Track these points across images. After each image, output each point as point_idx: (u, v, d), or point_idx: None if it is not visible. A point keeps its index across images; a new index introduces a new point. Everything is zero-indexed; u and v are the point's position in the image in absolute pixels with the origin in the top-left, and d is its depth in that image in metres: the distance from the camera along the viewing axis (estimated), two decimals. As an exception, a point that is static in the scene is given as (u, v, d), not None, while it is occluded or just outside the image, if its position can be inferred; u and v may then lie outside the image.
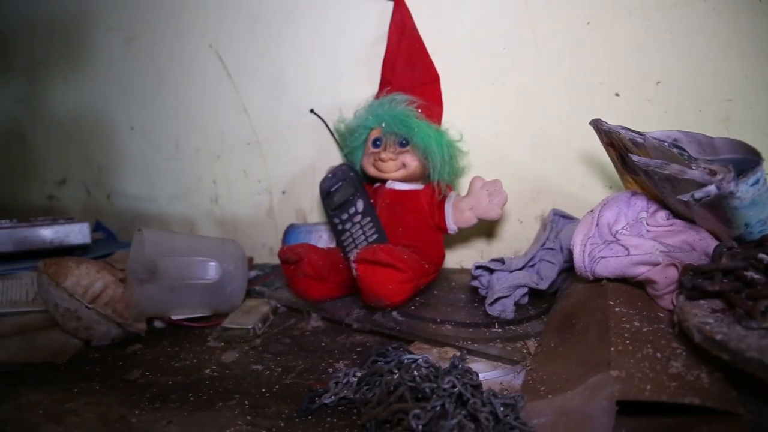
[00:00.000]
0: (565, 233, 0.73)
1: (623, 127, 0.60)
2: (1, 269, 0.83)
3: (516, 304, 0.69)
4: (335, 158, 0.93)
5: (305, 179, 0.97)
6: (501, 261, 0.71)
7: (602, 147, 0.69)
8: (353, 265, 0.65)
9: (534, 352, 0.60)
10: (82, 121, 1.16)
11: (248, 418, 0.51)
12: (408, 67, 0.83)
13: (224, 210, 1.05)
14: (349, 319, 0.68)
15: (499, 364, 0.59)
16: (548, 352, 0.58)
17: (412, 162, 0.76)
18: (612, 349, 0.49)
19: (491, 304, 0.67)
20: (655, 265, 0.56)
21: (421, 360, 0.52)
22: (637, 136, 0.58)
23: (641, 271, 0.57)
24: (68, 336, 0.71)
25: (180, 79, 1.04)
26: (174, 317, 0.72)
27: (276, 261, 0.84)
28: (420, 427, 0.43)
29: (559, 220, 0.78)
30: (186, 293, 0.71)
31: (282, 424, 0.50)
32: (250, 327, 0.70)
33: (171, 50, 1.04)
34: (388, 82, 0.83)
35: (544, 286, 0.70)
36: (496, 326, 0.65)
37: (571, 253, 0.71)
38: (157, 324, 0.75)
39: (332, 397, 0.52)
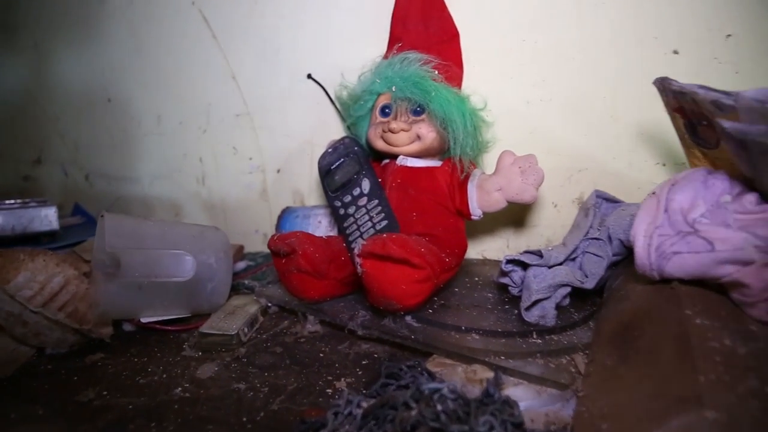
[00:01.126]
0: (613, 220, 0.60)
1: (702, 86, 0.47)
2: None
3: (557, 306, 0.56)
4: (338, 131, 0.80)
5: (302, 156, 0.84)
6: (538, 254, 0.58)
7: (660, 115, 0.55)
8: (358, 260, 0.52)
9: (585, 372, 0.47)
10: (55, 93, 1.04)
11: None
12: (422, 22, 0.70)
13: (212, 191, 0.93)
14: (353, 324, 0.56)
15: (543, 388, 0.47)
16: (605, 373, 0.45)
17: (428, 133, 0.63)
18: (701, 378, 0.36)
19: (528, 308, 0.54)
20: (747, 263, 0.43)
21: (446, 390, 0.39)
22: (724, 96, 0.44)
23: (728, 272, 0.44)
24: (18, 343, 0.60)
25: (160, 43, 0.91)
26: (144, 319, 0.60)
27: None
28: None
29: (603, 204, 0.65)
30: (157, 292, 0.59)
31: (263, 475, 0.38)
32: (233, 333, 0.58)
33: (149, 10, 0.91)
34: (399, 39, 0.69)
35: (590, 284, 0.57)
36: (535, 336, 0.53)
37: (622, 244, 0.59)
38: (126, 327, 0.64)
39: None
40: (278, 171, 0.87)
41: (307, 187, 0.86)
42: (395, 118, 0.64)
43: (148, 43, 0.92)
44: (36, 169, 1.11)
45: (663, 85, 0.52)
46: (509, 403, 0.40)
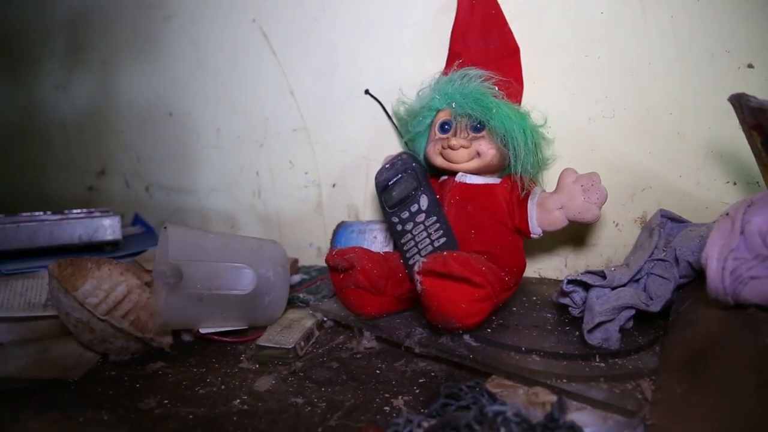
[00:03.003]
0: (681, 241, 0.58)
1: (784, 103, 0.45)
2: (22, 267, 0.75)
3: (620, 330, 0.54)
4: (394, 147, 0.80)
5: (358, 170, 0.85)
6: (601, 275, 0.56)
7: (731, 131, 0.53)
8: (417, 277, 0.52)
9: (652, 399, 0.45)
10: (119, 107, 1.08)
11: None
12: (482, 38, 0.70)
13: (267, 204, 0.94)
14: (410, 342, 0.56)
15: (609, 414, 0.45)
16: (674, 401, 0.43)
17: (488, 150, 0.62)
18: (786, 413, 0.34)
19: (591, 330, 0.53)
20: (836, 291, 0.40)
21: (509, 413, 0.38)
22: (808, 113, 0.42)
23: (813, 299, 0.41)
24: (84, 348, 0.62)
25: (221, 59, 0.94)
26: (203, 330, 0.61)
27: (325, 263, 0.73)
28: None
29: (668, 224, 0.63)
30: (216, 304, 0.60)
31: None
32: (290, 347, 0.58)
33: (211, 28, 0.93)
34: (458, 56, 0.69)
35: (655, 308, 0.55)
36: (598, 359, 0.51)
37: (690, 266, 0.57)
38: (185, 337, 0.65)
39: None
40: (333, 185, 0.88)
41: (362, 202, 0.86)
42: (455, 135, 0.64)
43: (209, 59, 0.95)
44: (100, 180, 1.16)
45: (740, 102, 0.49)
46: (575, 429, 0.39)
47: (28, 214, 0.83)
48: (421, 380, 0.53)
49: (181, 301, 0.57)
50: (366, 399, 0.50)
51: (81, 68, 1.12)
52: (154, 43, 1.00)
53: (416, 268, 0.52)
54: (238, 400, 0.51)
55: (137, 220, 1.09)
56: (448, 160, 0.65)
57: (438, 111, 0.66)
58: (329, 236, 0.82)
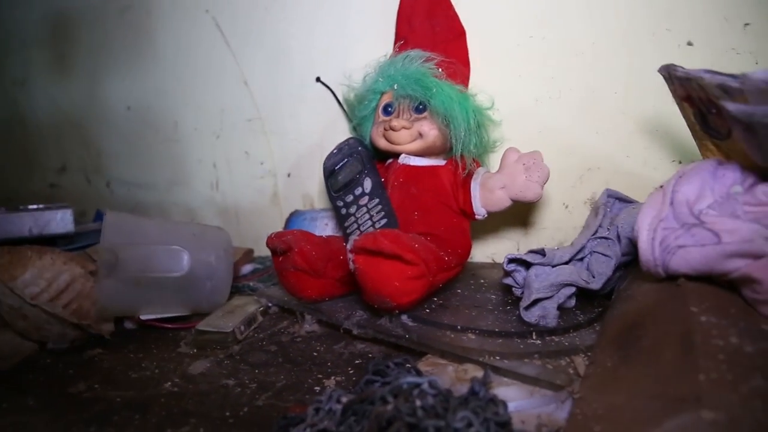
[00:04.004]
0: (623, 219, 0.58)
1: (708, 71, 0.44)
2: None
3: (560, 307, 0.54)
4: (345, 134, 0.80)
5: (312, 159, 0.84)
6: (541, 253, 0.55)
7: (671, 108, 0.53)
8: (350, 255, 0.51)
9: (584, 373, 0.45)
10: (78, 103, 1.07)
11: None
12: (427, 20, 0.69)
13: (226, 196, 0.93)
14: (349, 324, 0.55)
15: (537, 389, 0.44)
16: (604, 374, 0.43)
17: (430, 131, 0.62)
18: (701, 376, 0.33)
19: (528, 307, 0.52)
20: (758, 257, 0.40)
21: (426, 384, 0.38)
22: (730, 79, 0.42)
23: (737, 266, 0.41)
24: (21, 337, 0.61)
25: (176, 52, 0.93)
26: (143, 317, 0.60)
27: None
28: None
29: (615, 204, 0.62)
30: (155, 288, 0.59)
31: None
32: (229, 330, 0.57)
33: (166, 19, 0.92)
34: (404, 38, 0.69)
35: (596, 285, 0.54)
36: (534, 336, 0.50)
37: (632, 243, 0.56)
38: (128, 325, 0.64)
39: (308, 429, 0.39)
40: (288, 175, 0.87)
41: (317, 191, 0.85)
42: (397, 116, 0.63)
43: (165, 52, 0.94)
44: (61, 176, 1.14)
45: (669, 73, 0.49)
46: (495, 402, 0.38)
47: (-21, 208, 0.82)
48: (357, 361, 0.52)
49: (118, 286, 0.56)
50: (298, 380, 0.49)
51: (38, 64, 1.10)
52: (111, 37, 0.99)
53: (348, 246, 0.51)
54: (169, 383, 0.50)
55: (99, 217, 1.07)
56: (391, 142, 0.64)
57: (382, 94, 0.66)
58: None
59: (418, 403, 0.36)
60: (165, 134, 0.97)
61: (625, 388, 0.39)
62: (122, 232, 0.58)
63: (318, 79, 0.81)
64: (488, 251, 0.76)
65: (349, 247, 0.51)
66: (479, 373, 0.46)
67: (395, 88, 0.63)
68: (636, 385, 0.38)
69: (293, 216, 0.79)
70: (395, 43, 0.70)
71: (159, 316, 0.61)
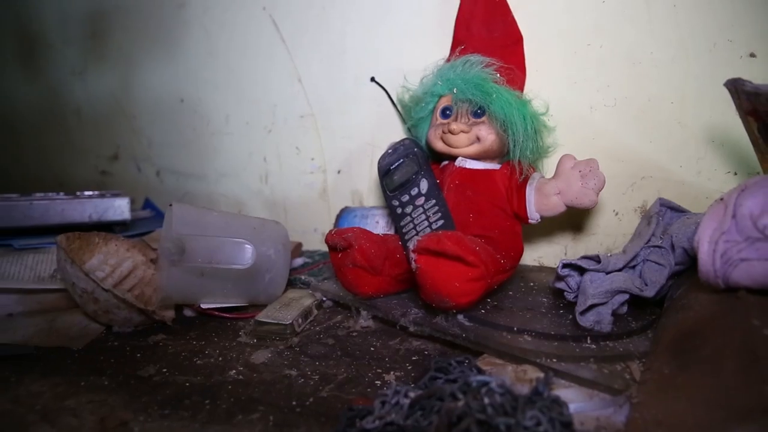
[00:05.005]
0: (678, 228, 0.58)
1: (779, 87, 0.45)
2: (33, 243, 0.77)
3: (613, 314, 0.55)
4: (398, 134, 0.81)
5: (363, 157, 0.86)
6: (596, 259, 0.56)
7: (732, 121, 0.54)
8: (412, 255, 0.53)
9: (641, 379, 0.46)
10: (133, 93, 1.10)
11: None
12: (485, 25, 0.70)
13: (274, 190, 0.96)
14: (405, 321, 0.57)
15: (595, 392, 0.45)
16: (662, 381, 0.44)
17: (487, 135, 0.63)
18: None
19: (583, 312, 0.53)
20: (824, 273, 0.41)
21: (494, 384, 0.39)
22: (802, 96, 0.42)
23: (802, 281, 0.42)
24: (89, 320, 0.64)
25: (231, 47, 0.95)
26: (204, 305, 0.63)
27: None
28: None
29: (668, 213, 0.63)
30: (217, 279, 0.61)
31: (309, 454, 0.39)
32: (288, 322, 0.59)
33: (223, 16, 0.95)
34: (462, 43, 0.70)
35: (649, 293, 0.55)
36: (589, 341, 0.51)
37: (686, 253, 0.57)
38: (187, 312, 0.66)
39: (376, 421, 0.41)
40: (339, 172, 0.89)
41: (367, 188, 0.87)
42: (455, 120, 0.65)
43: (220, 47, 0.97)
44: (113, 164, 1.18)
45: (735, 87, 0.50)
46: (558, 403, 0.39)
47: (42, 194, 0.85)
48: (414, 358, 0.54)
49: (183, 275, 0.59)
50: (358, 374, 0.51)
51: (97, 55, 1.14)
52: (168, 31, 1.02)
53: (411, 246, 0.53)
54: (234, 371, 0.52)
55: (147, 205, 1.11)
56: (449, 145, 0.65)
57: (440, 97, 0.67)
58: (333, 221, 0.83)
59: (486, 400, 0.38)
60: (217, 127, 0.99)
61: (684, 396, 0.40)
62: (188, 223, 0.61)
63: (372, 79, 0.82)
64: (536, 254, 0.77)
65: (411, 246, 0.53)
66: (537, 373, 0.47)
67: (455, 92, 0.65)
68: (697, 393, 0.39)
69: (344, 212, 0.81)
70: (453, 47, 0.71)
71: (219, 305, 0.63)
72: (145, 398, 0.48)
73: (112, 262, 0.69)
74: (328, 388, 0.49)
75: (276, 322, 0.60)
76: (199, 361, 0.55)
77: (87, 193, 0.89)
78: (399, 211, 0.66)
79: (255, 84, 0.94)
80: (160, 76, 1.05)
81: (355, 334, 0.60)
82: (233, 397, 0.48)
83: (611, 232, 0.72)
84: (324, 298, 0.67)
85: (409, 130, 0.74)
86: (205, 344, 0.59)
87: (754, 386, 0.36)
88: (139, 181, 1.14)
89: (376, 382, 0.49)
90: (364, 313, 0.62)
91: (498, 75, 0.64)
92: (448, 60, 0.69)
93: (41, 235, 0.81)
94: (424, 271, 0.52)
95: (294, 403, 0.46)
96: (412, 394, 0.42)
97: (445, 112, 0.66)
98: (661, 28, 0.65)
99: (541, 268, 0.75)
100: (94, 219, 0.85)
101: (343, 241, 0.60)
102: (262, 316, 0.61)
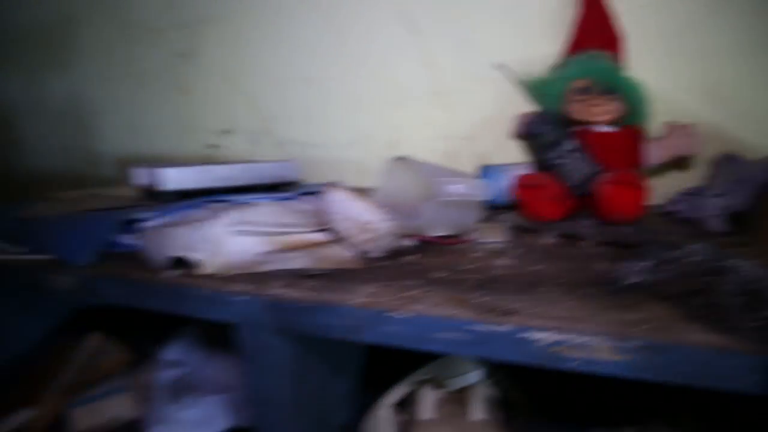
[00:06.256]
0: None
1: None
2: (249, 197, 0.96)
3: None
4: (519, 109, 1.06)
5: (488, 128, 1.11)
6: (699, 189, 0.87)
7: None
8: (601, 187, 0.80)
9: None
10: (251, 71, 1.27)
11: (571, 297, 0.59)
12: (599, 26, 0.98)
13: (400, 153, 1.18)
14: (588, 234, 0.83)
15: None
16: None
17: (616, 108, 0.92)
18: None
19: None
20: None
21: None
22: None
23: None
24: (343, 249, 0.83)
25: (361, 34, 1.15)
26: (429, 234, 0.85)
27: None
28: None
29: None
30: (453, 210, 0.84)
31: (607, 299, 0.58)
32: (501, 241, 0.84)
33: (353, 3, 1.15)
34: (583, 39, 0.98)
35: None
36: None
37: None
38: (406, 242, 0.88)
39: (644, 272, 0.59)
40: (466, 140, 1.13)
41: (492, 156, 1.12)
42: (592, 97, 0.93)
43: (351, 33, 1.16)
44: (223, 137, 1.34)
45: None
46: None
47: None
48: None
49: (435, 209, 0.82)
50: (586, 266, 0.71)
51: (209, 36, 1.27)
52: (294, 16, 1.19)
53: (599, 179, 0.80)
54: (495, 271, 0.70)
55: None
56: (588, 116, 0.93)
57: (574, 80, 0.94)
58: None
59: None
60: (345, 104, 1.20)
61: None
62: (416, 170, 0.84)
63: (498, 66, 1.08)
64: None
65: (599, 180, 0.80)
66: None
67: (590, 76, 0.92)
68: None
69: (487, 169, 1.05)
70: (576, 42, 0.98)
71: (440, 234, 0.87)
72: (460, 287, 0.62)
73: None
74: (576, 273, 0.68)
75: (494, 240, 0.84)
76: (466, 266, 0.72)
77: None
78: (552, 163, 0.93)
79: (383, 66, 1.15)
80: (282, 56, 1.22)
81: (552, 246, 0.82)
82: (511, 282, 0.65)
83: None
84: (514, 225, 0.92)
85: (539, 106, 1.01)
86: (449, 258, 0.77)
87: None
88: (255, 153, 1.31)
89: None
90: (549, 233, 0.88)
91: (620, 62, 0.92)
92: (570, 52, 0.97)
93: (244, 193, 0.99)
94: (611, 197, 0.80)
95: (562, 281, 0.65)
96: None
97: (584, 90, 0.94)
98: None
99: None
100: (276, 180, 1.05)
101: (539, 180, 0.86)
102: (479, 238, 0.85)
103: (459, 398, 0.94)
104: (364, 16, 1.15)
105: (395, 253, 0.80)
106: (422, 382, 0.96)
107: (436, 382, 0.96)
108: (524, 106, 1.06)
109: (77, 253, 0.80)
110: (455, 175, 0.87)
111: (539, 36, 1.04)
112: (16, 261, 0.84)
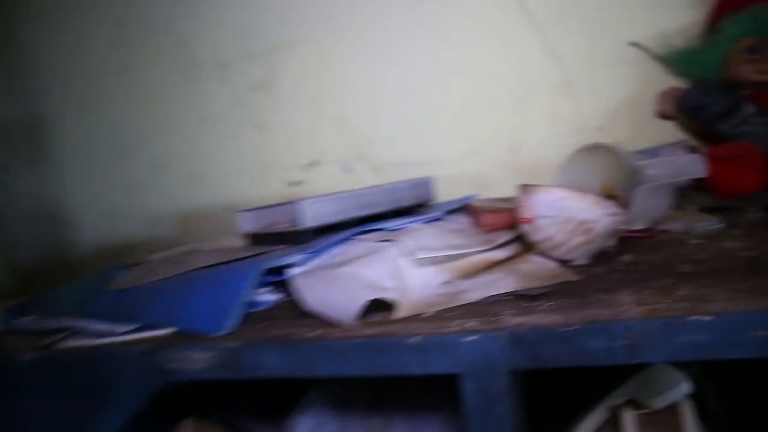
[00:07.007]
0: None
1: None
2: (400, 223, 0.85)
3: None
4: (658, 87, 0.99)
5: (623, 112, 1.03)
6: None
7: None
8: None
9: None
10: (338, 94, 1.17)
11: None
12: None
13: (530, 157, 1.09)
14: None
15: None
16: None
17: (791, 62, 0.84)
18: None
19: None
20: None
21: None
22: None
23: None
24: (545, 262, 0.73)
25: (477, 30, 1.08)
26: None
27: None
28: None
29: None
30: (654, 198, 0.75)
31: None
32: (715, 225, 0.75)
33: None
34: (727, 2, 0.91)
35: None
36: None
37: None
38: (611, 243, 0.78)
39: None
40: (600, 131, 1.05)
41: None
42: (765, 54, 0.85)
43: (462, 32, 1.09)
44: (309, 171, 1.23)
45: None
46: None
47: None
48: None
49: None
50: None
51: (288, 64, 1.18)
52: (394, 27, 1.12)
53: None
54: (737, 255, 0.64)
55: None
56: (761, 75, 0.85)
57: (737, 39, 0.87)
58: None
59: None
60: (454, 113, 1.11)
61: None
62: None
63: (633, 43, 1.00)
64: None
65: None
66: None
67: (758, 33, 0.85)
68: None
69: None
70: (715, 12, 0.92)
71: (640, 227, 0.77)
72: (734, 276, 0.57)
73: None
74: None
75: (709, 226, 0.75)
76: (698, 257, 0.64)
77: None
78: (735, 131, 0.84)
79: (500, 62, 1.07)
80: (375, 71, 1.14)
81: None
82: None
83: None
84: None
85: (691, 77, 0.93)
86: (667, 252, 0.69)
87: None
88: (344, 182, 1.20)
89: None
90: (753, 208, 0.79)
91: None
92: (710, 22, 0.89)
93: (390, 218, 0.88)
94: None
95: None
96: None
97: (752, 49, 0.86)
98: None
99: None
100: (414, 201, 0.94)
101: (740, 150, 0.78)
102: (685, 229, 0.76)
103: (667, 418, 0.82)
104: (469, 13, 1.07)
105: (600, 258, 0.71)
106: (619, 406, 0.84)
107: (637, 403, 0.84)
108: (664, 83, 0.99)
109: (213, 321, 0.62)
110: (653, 154, 0.78)
111: (670, 7, 0.97)
112: (129, 342, 0.65)
